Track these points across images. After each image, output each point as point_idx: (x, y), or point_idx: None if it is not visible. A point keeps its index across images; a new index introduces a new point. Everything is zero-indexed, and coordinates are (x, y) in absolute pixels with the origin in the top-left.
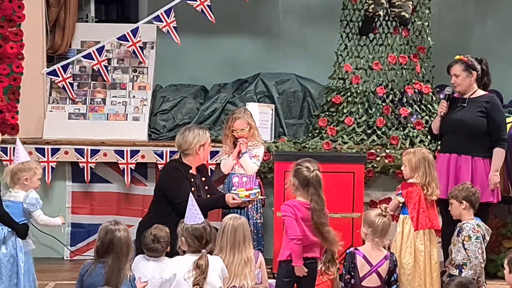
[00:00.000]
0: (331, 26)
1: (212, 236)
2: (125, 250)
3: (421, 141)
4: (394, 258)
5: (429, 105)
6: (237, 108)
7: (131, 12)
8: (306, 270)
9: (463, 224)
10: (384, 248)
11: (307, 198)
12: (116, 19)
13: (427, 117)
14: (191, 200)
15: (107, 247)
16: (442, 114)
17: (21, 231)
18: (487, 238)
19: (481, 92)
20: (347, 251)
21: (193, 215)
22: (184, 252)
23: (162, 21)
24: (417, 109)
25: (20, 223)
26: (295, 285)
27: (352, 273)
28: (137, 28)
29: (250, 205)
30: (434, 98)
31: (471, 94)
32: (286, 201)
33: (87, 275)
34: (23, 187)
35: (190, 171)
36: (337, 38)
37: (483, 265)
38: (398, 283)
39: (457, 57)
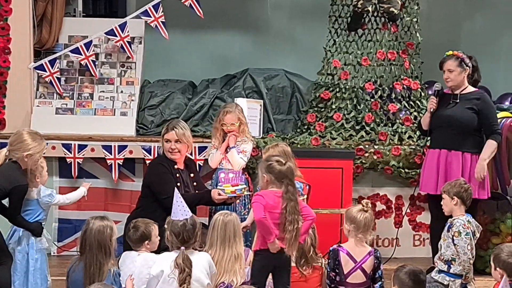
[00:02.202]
0: (319, 22)
1: (193, 233)
2: (99, 244)
3: (409, 137)
4: (378, 254)
5: (417, 101)
6: (229, 102)
7: (119, 7)
8: (279, 247)
9: (454, 220)
10: (368, 243)
11: (279, 188)
12: (104, 14)
13: (415, 113)
14: (177, 195)
15: (83, 242)
16: (431, 110)
17: (35, 230)
18: (477, 235)
19: (471, 89)
20: (331, 248)
21: (178, 210)
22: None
23: (150, 16)
24: (406, 105)
25: (36, 220)
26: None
27: (337, 270)
28: (125, 23)
29: (237, 201)
30: (422, 94)
31: (462, 90)
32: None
33: (72, 270)
34: (35, 184)
35: (176, 166)
36: (326, 34)
37: (472, 261)
38: (383, 280)
39: (450, 52)
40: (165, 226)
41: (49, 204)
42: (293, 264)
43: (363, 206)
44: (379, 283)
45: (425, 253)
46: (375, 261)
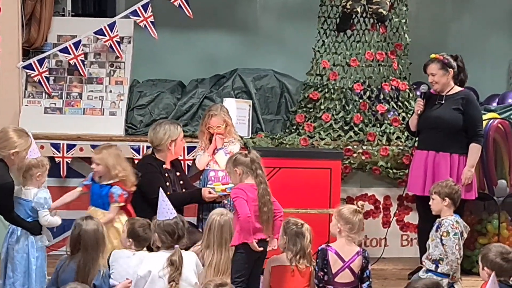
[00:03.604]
0: (308, 22)
1: (185, 231)
2: (94, 244)
3: (397, 137)
4: (366, 254)
5: (406, 102)
6: (214, 104)
7: (108, 7)
8: (261, 249)
9: (442, 220)
10: (356, 244)
11: (252, 180)
12: (93, 13)
13: (404, 114)
14: (162, 195)
15: (76, 242)
16: (418, 112)
17: (33, 229)
18: (465, 235)
19: (457, 89)
20: (319, 248)
21: (164, 210)
22: (158, 249)
23: (139, 16)
24: (394, 105)
25: (30, 221)
26: None
27: (325, 270)
28: (114, 22)
29: (225, 201)
30: (411, 95)
31: (448, 91)
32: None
33: (62, 270)
34: (35, 183)
35: (164, 166)
36: (315, 35)
37: (459, 261)
38: (371, 280)
39: (433, 56)
40: (152, 227)
41: (36, 210)
42: (285, 263)
43: (358, 207)
44: (367, 283)
45: (413, 253)
46: (363, 261)
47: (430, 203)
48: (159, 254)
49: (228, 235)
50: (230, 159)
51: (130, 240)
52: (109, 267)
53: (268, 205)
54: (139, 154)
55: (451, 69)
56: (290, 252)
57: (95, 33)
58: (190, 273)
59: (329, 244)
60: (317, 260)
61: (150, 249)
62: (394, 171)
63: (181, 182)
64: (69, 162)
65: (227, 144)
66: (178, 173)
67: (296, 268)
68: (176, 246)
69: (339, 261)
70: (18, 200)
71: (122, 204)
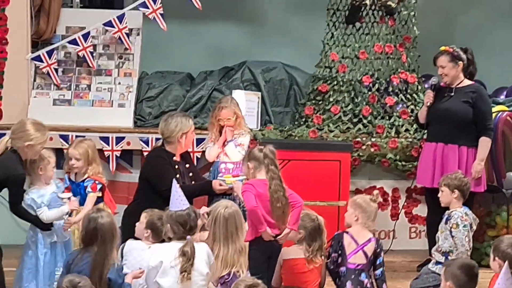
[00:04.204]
0: (315, 15)
1: (197, 222)
2: (110, 236)
3: (406, 130)
4: (380, 243)
5: (414, 94)
6: (224, 97)
7: None
8: (272, 236)
9: (452, 212)
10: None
11: (265, 175)
12: (100, 5)
13: (412, 106)
14: (175, 186)
15: (92, 235)
16: (428, 104)
17: (38, 224)
18: (474, 227)
19: (467, 82)
20: (336, 233)
21: (177, 201)
22: (170, 239)
23: (148, 8)
24: (403, 98)
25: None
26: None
27: (339, 252)
28: (123, 14)
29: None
30: (419, 88)
31: (458, 84)
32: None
33: (74, 264)
34: (38, 177)
35: (174, 158)
36: (322, 26)
37: (469, 253)
38: (383, 268)
39: (442, 48)
40: (164, 218)
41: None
42: (301, 256)
43: (373, 196)
44: (380, 269)
45: (421, 245)
46: (376, 246)
47: (439, 195)
48: (171, 245)
49: (234, 227)
50: (247, 153)
51: (148, 231)
52: (121, 257)
53: (282, 200)
54: (148, 146)
55: (460, 62)
56: (308, 246)
57: (104, 24)
58: (202, 263)
59: (346, 230)
60: (332, 244)
61: (161, 240)
62: (403, 163)
63: (191, 174)
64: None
65: (237, 136)
66: (187, 165)
67: (311, 262)
68: (188, 237)
69: (354, 243)
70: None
71: (95, 194)
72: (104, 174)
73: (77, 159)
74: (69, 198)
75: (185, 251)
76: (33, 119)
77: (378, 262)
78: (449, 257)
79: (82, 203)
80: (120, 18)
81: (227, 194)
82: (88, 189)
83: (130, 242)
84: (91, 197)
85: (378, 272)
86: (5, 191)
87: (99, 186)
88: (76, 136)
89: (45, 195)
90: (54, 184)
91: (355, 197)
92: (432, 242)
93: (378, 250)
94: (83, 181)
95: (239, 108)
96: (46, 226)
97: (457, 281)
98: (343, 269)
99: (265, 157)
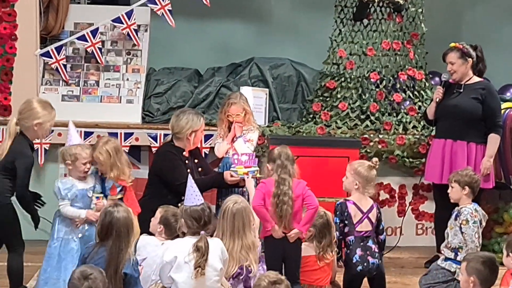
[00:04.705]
0: (322, 11)
1: (211, 217)
2: (125, 231)
3: (414, 126)
4: (379, 208)
5: (422, 91)
6: (233, 93)
7: None
8: (281, 234)
9: (461, 208)
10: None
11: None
12: (104, 1)
13: (420, 103)
14: (190, 181)
15: (107, 229)
16: (437, 100)
17: (33, 220)
18: (483, 223)
19: (476, 79)
20: (338, 202)
21: (192, 196)
22: (184, 234)
23: (156, 4)
24: (410, 95)
25: None
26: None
27: (346, 221)
28: (132, 10)
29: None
30: (427, 84)
31: (467, 81)
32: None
33: (90, 258)
34: (70, 172)
35: (183, 153)
36: (329, 23)
37: (478, 249)
38: (385, 233)
39: (452, 44)
40: (178, 212)
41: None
42: (311, 253)
43: (372, 163)
44: (384, 234)
45: (428, 242)
46: (377, 212)
47: (449, 191)
48: (185, 240)
49: (241, 223)
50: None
51: (161, 226)
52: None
53: (284, 205)
54: (156, 142)
55: (470, 59)
56: (318, 243)
57: (113, 21)
58: (216, 259)
59: (347, 198)
60: (337, 213)
61: (175, 236)
62: (410, 160)
63: (200, 169)
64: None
65: (246, 132)
66: (196, 160)
67: (322, 259)
68: (202, 232)
69: (359, 212)
70: None
71: (114, 197)
72: (129, 173)
73: (101, 164)
74: (98, 198)
75: (199, 246)
76: (39, 98)
77: (381, 227)
78: (458, 253)
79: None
80: (129, 14)
81: (239, 186)
82: (107, 191)
83: (143, 237)
84: (109, 199)
85: (382, 237)
86: None
87: (118, 189)
88: (85, 132)
89: (72, 189)
90: (91, 182)
91: (353, 164)
92: (440, 238)
93: (379, 215)
94: (105, 178)
95: (248, 104)
96: (36, 225)
97: (481, 276)
98: (351, 237)
99: (277, 158)
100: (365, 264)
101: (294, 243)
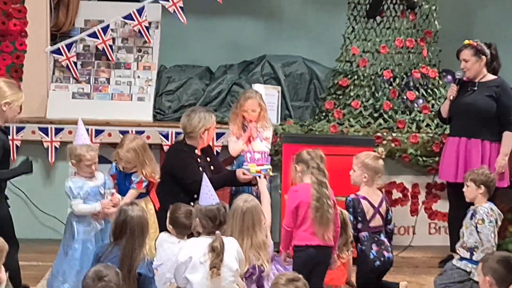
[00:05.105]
0: (333, 8)
1: (226, 217)
2: (139, 230)
3: (427, 125)
4: (387, 200)
5: (435, 89)
6: (249, 89)
7: None
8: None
9: (477, 207)
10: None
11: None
12: None
13: (433, 101)
14: (205, 180)
15: (121, 228)
16: (451, 98)
17: (22, 167)
18: (499, 222)
19: (491, 77)
20: (349, 198)
21: (206, 196)
22: (199, 234)
23: (168, 1)
24: (424, 93)
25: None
26: None
27: (359, 218)
28: (143, 7)
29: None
30: (440, 82)
31: (481, 78)
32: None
33: (104, 256)
34: (79, 171)
35: (196, 151)
36: (339, 20)
37: (494, 249)
38: (393, 222)
39: (466, 41)
40: (193, 212)
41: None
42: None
43: (378, 153)
44: (392, 223)
45: (441, 241)
46: (386, 205)
47: (464, 190)
48: (200, 240)
49: (250, 222)
50: (295, 155)
51: (171, 226)
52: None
53: (325, 208)
54: (167, 140)
55: (484, 56)
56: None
57: (124, 17)
58: (232, 259)
59: (357, 194)
60: (350, 210)
61: (190, 234)
62: (424, 158)
63: (212, 167)
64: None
65: (261, 130)
66: (208, 159)
67: (338, 258)
68: (217, 232)
69: (371, 208)
70: None
71: (139, 191)
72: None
73: (128, 162)
74: (112, 194)
75: (215, 246)
76: (3, 78)
77: (389, 217)
78: (474, 253)
79: (125, 193)
80: (140, 11)
81: (252, 184)
82: (133, 185)
83: (162, 235)
84: (133, 193)
85: (390, 226)
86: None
87: (144, 184)
88: (96, 130)
89: (83, 188)
90: (101, 179)
91: (360, 157)
92: (454, 238)
93: (388, 206)
94: (131, 173)
95: (263, 101)
96: (29, 168)
97: (497, 275)
98: (364, 234)
99: (311, 161)
100: (381, 259)
101: (327, 254)
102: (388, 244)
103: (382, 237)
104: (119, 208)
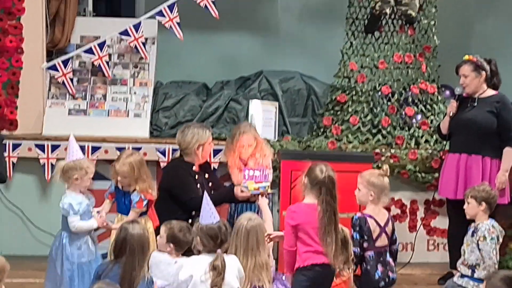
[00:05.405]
0: (330, 24)
1: (228, 236)
2: (140, 249)
3: (426, 141)
4: (392, 219)
5: (434, 105)
6: (241, 123)
7: (123, 7)
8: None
9: (478, 224)
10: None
11: (315, 199)
12: (109, 13)
13: (432, 117)
14: (206, 199)
15: (121, 246)
16: (451, 114)
17: None
18: (501, 239)
19: (491, 92)
20: (355, 217)
21: (207, 214)
22: (199, 252)
23: (164, 16)
24: (423, 108)
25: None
26: None
27: (365, 237)
28: (140, 23)
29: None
30: (439, 98)
31: (481, 94)
32: (293, 205)
33: (104, 274)
34: (74, 187)
35: (193, 168)
36: (337, 36)
37: (496, 266)
38: (398, 242)
39: (466, 57)
40: (193, 230)
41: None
42: None
43: (383, 170)
44: (397, 244)
45: (439, 258)
46: (392, 225)
47: (465, 207)
48: (200, 258)
49: (255, 241)
50: (310, 166)
51: (171, 245)
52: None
53: (332, 235)
54: (164, 156)
55: (483, 72)
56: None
57: (120, 33)
58: (233, 277)
59: (363, 212)
60: (356, 229)
61: (189, 251)
62: (423, 174)
63: (210, 183)
64: (92, 165)
65: (260, 161)
66: (207, 175)
67: (339, 276)
68: (219, 250)
69: (378, 227)
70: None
71: (140, 210)
72: (153, 187)
73: (124, 177)
74: (98, 212)
75: (216, 265)
76: None
77: (394, 237)
78: (475, 270)
79: (125, 211)
80: (136, 27)
81: (251, 201)
82: (134, 204)
83: (156, 255)
84: (135, 213)
85: (395, 246)
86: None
87: (144, 202)
88: (92, 147)
89: (82, 204)
90: (90, 197)
91: (364, 175)
92: (454, 255)
93: (393, 226)
94: (129, 192)
95: (258, 133)
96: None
97: None
98: (370, 253)
99: (321, 185)
100: (386, 280)
101: (331, 272)
102: (393, 264)
103: (388, 257)
104: (120, 226)
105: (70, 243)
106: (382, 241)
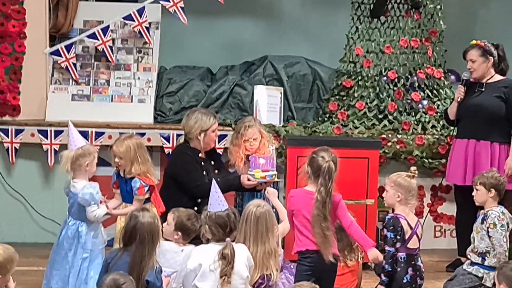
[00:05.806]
0: (333, 7)
1: (237, 224)
2: (149, 237)
3: (433, 126)
4: (421, 222)
5: (440, 90)
6: (245, 117)
7: None
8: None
9: (488, 211)
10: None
11: (315, 187)
12: None
13: (438, 102)
14: (214, 186)
15: (131, 234)
16: (459, 99)
17: None
18: (510, 226)
19: (498, 77)
20: (388, 217)
21: (216, 202)
22: (208, 241)
23: (169, 1)
24: (429, 94)
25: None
26: None
27: (398, 237)
28: (144, 7)
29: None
30: (446, 83)
31: (489, 79)
32: (293, 189)
33: (113, 263)
34: (84, 174)
35: (200, 154)
36: (341, 21)
37: (507, 254)
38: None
39: (473, 42)
40: (202, 218)
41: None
42: None
43: (411, 172)
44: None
45: (446, 245)
46: (421, 228)
47: (473, 193)
48: (209, 247)
49: (264, 228)
50: (312, 153)
51: (179, 233)
52: None
53: (321, 221)
54: (169, 142)
55: (491, 57)
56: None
57: (124, 18)
58: (242, 266)
59: (396, 213)
60: (390, 228)
61: (197, 239)
62: (430, 160)
63: (216, 171)
64: (97, 150)
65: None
66: (213, 162)
67: (344, 264)
68: (228, 239)
69: (409, 228)
70: (69, 193)
71: (142, 197)
72: (152, 172)
73: (120, 158)
74: (100, 202)
75: (225, 254)
76: None
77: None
78: (486, 258)
79: (128, 199)
80: (140, 11)
81: (257, 190)
82: (135, 192)
83: (162, 243)
84: (138, 200)
85: None
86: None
87: (145, 189)
88: (96, 133)
89: (99, 192)
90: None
91: (392, 177)
92: (461, 241)
93: (422, 230)
94: (130, 179)
95: (262, 126)
96: None
97: (510, 283)
98: (402, 254)
99: (320, 174)
100: (413, 286)
101: (332, 265)
102: (423, 270)
103: (419, 261)
104: (130, 214)
105: (87, 232)
106: (414, 243)
